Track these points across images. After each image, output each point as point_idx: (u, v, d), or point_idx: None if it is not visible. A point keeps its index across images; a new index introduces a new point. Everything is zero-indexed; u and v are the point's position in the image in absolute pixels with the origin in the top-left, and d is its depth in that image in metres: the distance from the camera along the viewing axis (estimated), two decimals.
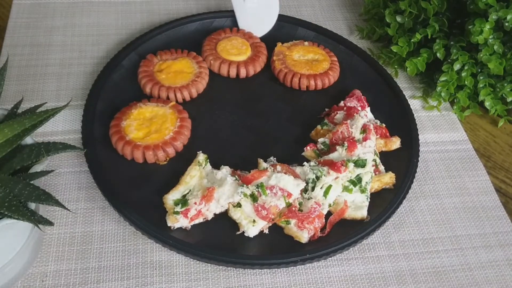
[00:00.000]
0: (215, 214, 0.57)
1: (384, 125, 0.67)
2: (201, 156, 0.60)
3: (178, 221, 0.55)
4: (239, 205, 0.57)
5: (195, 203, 0.55)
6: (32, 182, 0.45)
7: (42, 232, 0.55)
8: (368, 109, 0.67)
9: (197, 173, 0.59)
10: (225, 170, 0.59)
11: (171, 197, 0.57)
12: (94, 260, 0.54)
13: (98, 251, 0.55)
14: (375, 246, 0.58)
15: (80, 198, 0.59)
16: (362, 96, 0.69)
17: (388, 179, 0.61)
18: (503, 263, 0.58)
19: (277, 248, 0.56)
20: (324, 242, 0.56)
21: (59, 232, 0.56)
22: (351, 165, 0.59)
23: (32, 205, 0.46)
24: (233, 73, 0.73)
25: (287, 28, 0.80)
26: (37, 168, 0.48)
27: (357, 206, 0.59)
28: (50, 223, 0.45)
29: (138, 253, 0.55)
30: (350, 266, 0.56)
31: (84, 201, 0.59)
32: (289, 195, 0.57)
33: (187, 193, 0.58)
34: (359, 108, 0.66)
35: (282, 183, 0.57)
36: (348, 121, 0.64)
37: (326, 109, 0.70)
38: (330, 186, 0.58)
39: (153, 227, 0.55)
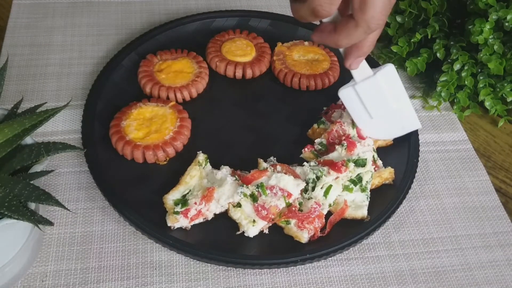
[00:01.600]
0: (215, 214, 0.57)
1: None
2: (201, 156, 0.60)
3: (178, 221, 0.55)
4: (239, 205, 0.57)
5: (195, 203, 0.55)
6: (32, 182, 0.45)
7: (42, 232, 0.55)
8: None
9: (197, 173, 0.59)
10: (225, 170, 0.59)
11: (171, 197, 0.57)
12: (94, 260, 0.54)
13: (98, 251, 0.55)
14: (375, 246, 0.58)
15: (80, 198, 0.59)
16: None
17: (388, 174, 0.61)
18: (503, 263, 0.58)
19: (277, 248, 0.56)
20: (324, 242, 0.56)
21: (59, 232, 0.56)
22: (351, 165, 0.59)
23: (32, 205, 0.46)
24: (239, 74, 0.73)
25: (287, 28, 0.80)
26: (37, 168, 0.48)
27: (357, 205, 0.59)
28: (50, 223, 0.45)
29: (138, 253, 0.55)
30: (350, 266, 0.56)
31: (84, 201, 0.59)
32: (289, 195, 0.57)
33: (187, 193, 0.58)
34: None
35: (282, 183, 0.57)
36: (340, 119, 0.64)
37: (325, 108, 0.70)
38: (330, 186, 0.58)
39: (153, 227, 0.55)
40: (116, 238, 0.56)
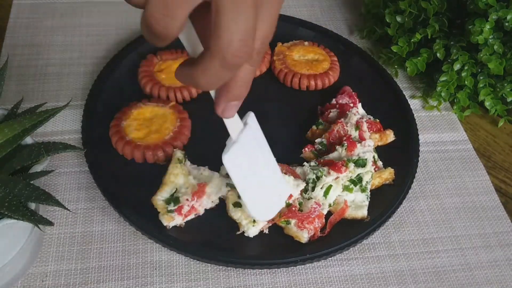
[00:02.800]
0: (205, 209, 0.58)
1: (378, 120, 0.67)
2: (179, 153, 0.60)
3: (174, 219, 0.55)
4: (239, 205, 0.57)
5: (187, 200, 0.55)
6: (32, 182, 0.45)
7: (42, 232, 0.55)
8: (359, 105, 0.68)
9: (179, 171, 0.58)
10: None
11: (159, 198, 0.57)
12: (94, 260, 0.54)
13: (98, 251, 0.55)
14: (375, 246, 0.58)
15: (80, 198, 0.59)
16: (353, 92, 0.69)
17: (388, 174, 0.62)
18: (503, 263, 0.58)
19: (277, 248, 0.56)
20: (324, 242, 0.56)
21: (59, 232, 0.56)
22: (351, 165, 0.59)
23: (32, 205, 0.46)
24: None
25: (287, 28, 0.80)
26: (37, 168, 0.48)
27: (357, 205, 0.59)
28: (50, 223, 0.45)
29: (138, 253, 0.55)
30: (350, 266, 0.56)
31: (84, 201, 0.59)
32: (289, 195, 0.57)
33: (175, 191, 0.57)
34: (351, 105, 0.67)
35: None
36: (342, 120, 0.64)
37: (319, 107, 0.70)
38: (330, 186, 0.58)
39: (153, 227, 0.55)
40: (116, 238, 0.56)
